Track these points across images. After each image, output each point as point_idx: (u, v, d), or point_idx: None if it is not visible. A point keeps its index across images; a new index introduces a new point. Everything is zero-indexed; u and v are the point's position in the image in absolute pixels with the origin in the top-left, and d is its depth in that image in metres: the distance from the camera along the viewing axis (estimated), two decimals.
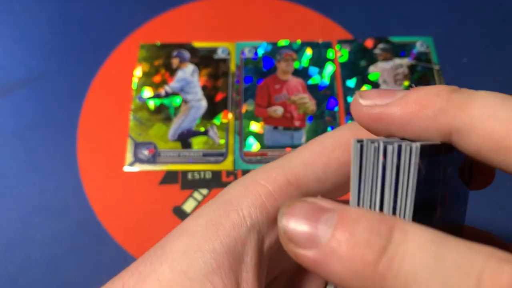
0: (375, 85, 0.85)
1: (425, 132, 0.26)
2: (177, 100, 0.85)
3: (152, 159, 0.80)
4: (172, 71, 0.87)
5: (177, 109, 0.84)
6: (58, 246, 0.75)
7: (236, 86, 0.85)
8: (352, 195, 0.26)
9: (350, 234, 0.22)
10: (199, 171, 0.80)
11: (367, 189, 0.25)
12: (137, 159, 0.80)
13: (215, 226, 0.31)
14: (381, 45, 0.88)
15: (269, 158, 0.80)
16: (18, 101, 0.85)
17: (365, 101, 0.27)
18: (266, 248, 0.33)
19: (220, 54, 0.88)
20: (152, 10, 0.93)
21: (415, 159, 0.23)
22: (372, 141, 0.24)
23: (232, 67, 0.87)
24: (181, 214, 0.76)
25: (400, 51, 0.88)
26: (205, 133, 0.82)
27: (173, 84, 0.85)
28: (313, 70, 0.87)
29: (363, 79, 0.86)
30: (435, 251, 0.20)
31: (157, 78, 0.86)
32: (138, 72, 0.87)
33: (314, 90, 0.85)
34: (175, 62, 0.87)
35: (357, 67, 0.87)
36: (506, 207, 0.76)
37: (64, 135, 0.82)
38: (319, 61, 0.87)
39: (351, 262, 0.21)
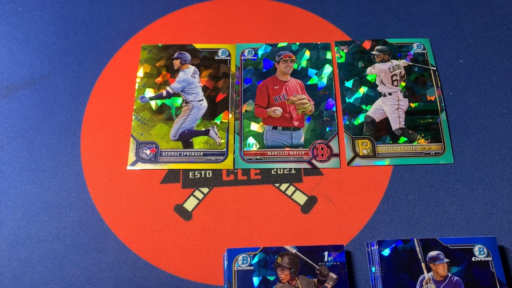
0: (372, 85, 0.86)
1: None
2: (179, 101, 0.86)
3: (154, 159, 0.81)
4: (173, 72, 0.88)
5: (178, 109, 0.85)
6: (61, 244, 0.76)
7: (236, 87, 0.87)
8: None
9: None
10: (200, 170, 0.81)
11: None
12: (139, 159, 0.81)
13: None
14: (378, 47, 0.90)
15: (269, 157, 0.81)
16: (22, 101, 0.86)
17: None
18: None
19: (220, 56, 0.89)
20: (154, 13, 0.94)
21: None
22: None
23: (232, 68, 0.88)
24: (183, 213, 0.78)
25: (397, 52, 0.89)
26: (206, 133, 0.83)
27: (175, 85, 0.87)
28: (312, 71, 0.88)
29: (361, 80, 0.87)
30: None
31: (159, 79, 0.87)
32: (140, 73, 0.88)
33: (312, 90, 0.86)
34: (176, 63, 0.89)
35: (355, 68, 0.88)
36: (500, 205, 0.77)
37: (67, 135, 0.83)
38: (318, 62, 0.89)
39: None
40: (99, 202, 0.78)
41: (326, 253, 0.70)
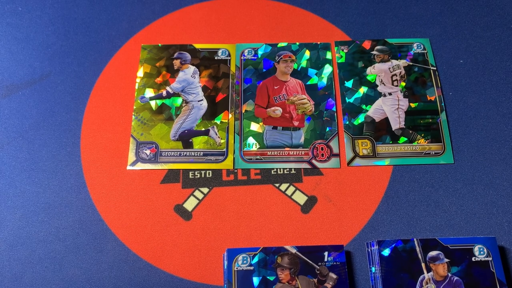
0: (372, 85, 0.86)
1: None
2: (178, 101, 0.86)
3: (154, 159, 0.81)
4: (173, 72, 0.88)
5: (178, 109, 0.85)
6: (61, 244, 0.76)
7: (236, 87, 0.87)
8: None
9: None
10: (200, 170, 0.81)
11: None
12: (139, 159, 0.81)
13: None
14: (378, 47, 0.89)
15: (269, 157, 0.81)
16: (22, 101, 0.86)
17: None
18: None
19: (220, 56, 0.89)
20: (154, 12, 0.94)
21: None
22: None
23: (232, 68, 0.88)
24: (182, 213, 0.78)
25: (397, 52, 0.89)
26: (206, 133, 0.83)
27: (175, 85, 0.87)
28: (312, 71, 0.88)
29: (361, 80, 0.87)
30: None
31: (159, 79, 0.87)
32: (140, 73, 0.88)
33: (312, 90, 0.86)
34: (176, 63, 0.89)
35: (355, 68, 0.88)
36: (501, 205, 0.77)
37: (67, 135, 0.83)
38: (318, 62, 0.89)
39: None
40: (99, 202, 0.78)
41: (326, 253, 0.70)
